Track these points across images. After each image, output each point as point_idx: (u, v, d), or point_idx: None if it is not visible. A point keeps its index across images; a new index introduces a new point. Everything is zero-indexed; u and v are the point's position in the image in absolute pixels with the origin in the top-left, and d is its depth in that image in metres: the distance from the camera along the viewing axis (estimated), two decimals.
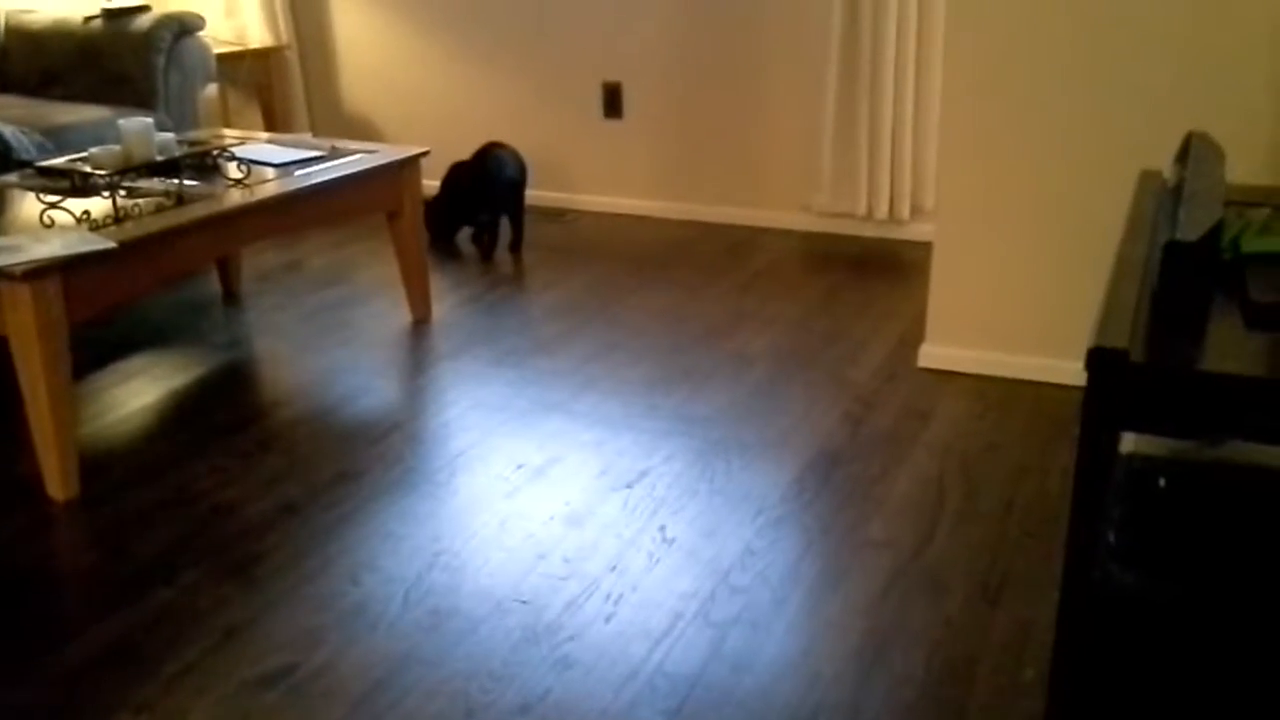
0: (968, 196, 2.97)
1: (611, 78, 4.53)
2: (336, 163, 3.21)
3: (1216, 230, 1.47)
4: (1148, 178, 2.14)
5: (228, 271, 3.76)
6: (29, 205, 2.78)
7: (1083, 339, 1.50)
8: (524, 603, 2.14)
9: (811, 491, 2.51)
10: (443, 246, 4.21)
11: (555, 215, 4.62)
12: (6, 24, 4.23)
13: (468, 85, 4.77)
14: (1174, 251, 1.42)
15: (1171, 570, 1.44)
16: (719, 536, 2.34)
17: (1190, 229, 1.45)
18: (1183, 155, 1.91)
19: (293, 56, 4.95)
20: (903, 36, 3.97)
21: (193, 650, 2.01)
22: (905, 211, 4.18)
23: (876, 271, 3.93)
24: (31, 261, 2.35)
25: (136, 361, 3.26)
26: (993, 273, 3.01)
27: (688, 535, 2.35)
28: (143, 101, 3.96)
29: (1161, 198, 1.96)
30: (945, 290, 3.07)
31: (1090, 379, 1.31)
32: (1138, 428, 1.34)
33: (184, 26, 4.09)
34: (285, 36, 4.90)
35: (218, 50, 4.45)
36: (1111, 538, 1.48)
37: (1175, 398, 1.30)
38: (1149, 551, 1.47)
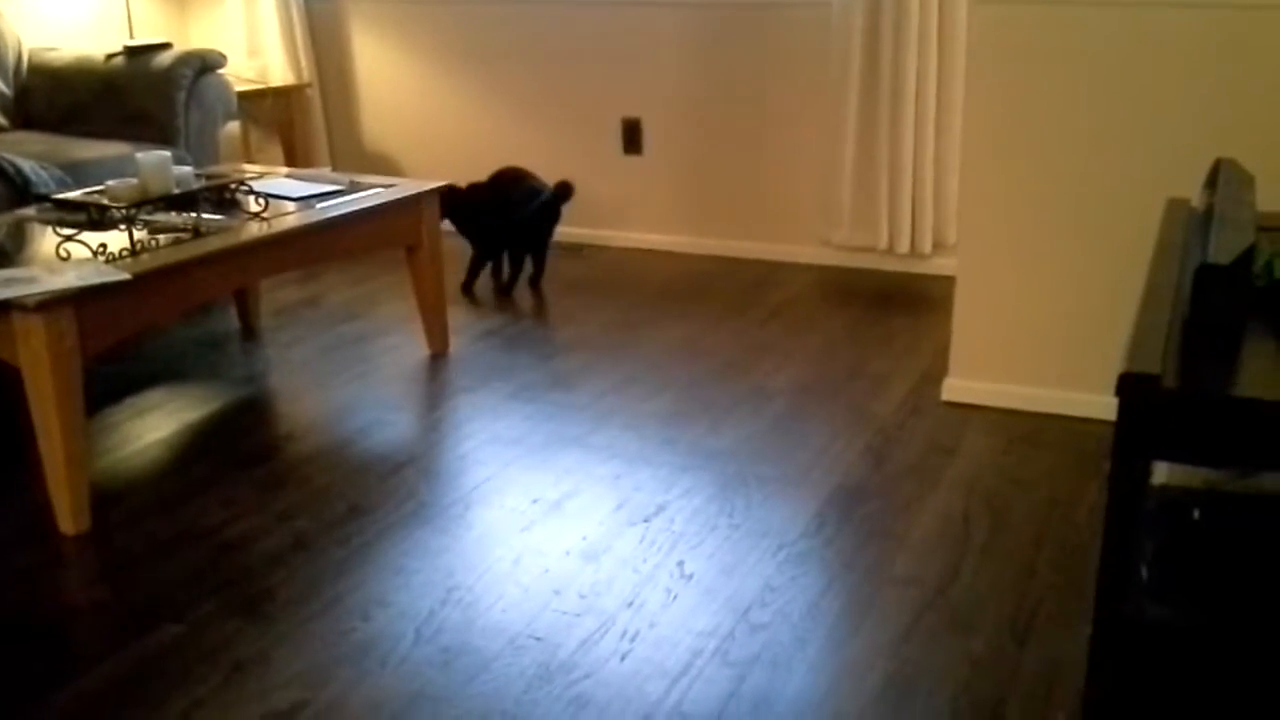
0: (990, 229, 2.94)
1: (631, 113, 4.53)
2: (355, 196, 3.20)
3: (1249, 254, 1.43)
4: (1175, 206, 2.10)
5: (246, 307, 3.75)
6: (46, 238, 2.78)
7: (1110, 372, 1.46)
8: (538, 640, 2.09)
9: (833, 527, 2.46)
10: (463, 282, 4.19)
11: (574, 250, 4.60)
12: (29, 61, 4.26)
13: (487, 121, 4.78)
14: (1206, 275, 1.38)
15: (1206, 604, 1.39)
16: (738, 573, 2.29)
17: (1222, 252, 1.40)
18: (1212, 181, 1.87)
19: (314, 94, 4.97)
20: (923, 69, 3.95)
21: (202, 686, 1.98)
22: (927, 246, 4.14)
23: (898, 306, 3.89)
24: (45, 293, 2.33)
25: (152, 396, 3.24)
26: (1017, 305, 2.96)
27: (706, 571, 2.30)
28: (164, 138, 3.98)
29: (1190, 224, 1.92)
30: (969, 323, 3.03)
31: (1121, 405, 1.26)
32: (1170, 455, 1.30)
33: (205, 64, 4.11)
34: (307, 74, 4.92)
35: (240, 88, 4.48)
36: (1144, 571, 1.43)
37: (1208, 424, 1.26)
38: (1183, 585, 1.42)
